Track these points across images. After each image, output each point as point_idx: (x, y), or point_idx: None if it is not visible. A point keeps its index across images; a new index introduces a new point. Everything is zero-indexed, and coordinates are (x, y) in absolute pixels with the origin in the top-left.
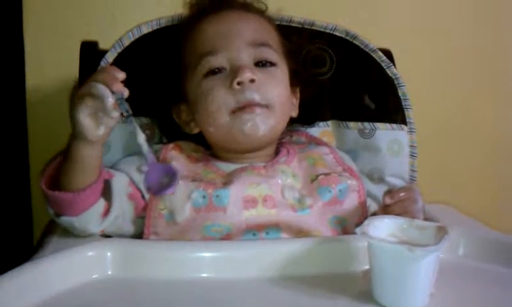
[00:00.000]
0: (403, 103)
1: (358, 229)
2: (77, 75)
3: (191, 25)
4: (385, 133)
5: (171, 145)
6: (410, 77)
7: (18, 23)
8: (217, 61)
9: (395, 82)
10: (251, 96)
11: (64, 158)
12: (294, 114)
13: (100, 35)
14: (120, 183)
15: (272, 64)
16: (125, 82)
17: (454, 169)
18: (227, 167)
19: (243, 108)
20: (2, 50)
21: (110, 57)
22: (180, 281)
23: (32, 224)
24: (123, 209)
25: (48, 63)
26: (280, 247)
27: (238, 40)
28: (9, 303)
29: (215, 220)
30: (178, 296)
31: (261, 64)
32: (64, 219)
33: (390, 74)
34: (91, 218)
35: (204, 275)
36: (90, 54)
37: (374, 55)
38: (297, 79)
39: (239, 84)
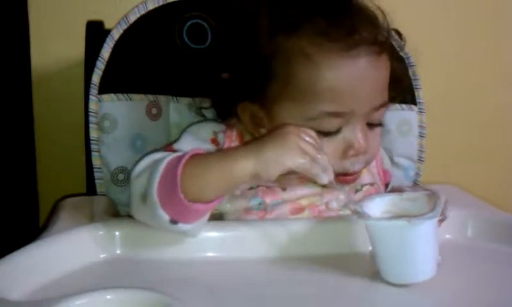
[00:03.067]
0: (413, 83)
1: (354, 215)
2: (83, 55)
3: (306, 42)
4: (394, 114)
5: (234, 133)
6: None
7: (23, 2)
8: (339, 123)
9: (406, 62)
10: (358, 167)
11: (208, 174)
12: None
13: (106, 14)
14: None
15: (380, 124)
16: (130, 60)
17: (462, 150)
18: None
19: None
20: (7, 30)
21: (116, 34)
22: (187, 260)
23: (38, 205)
24: None
25: (53, 43)
26: (286, 227)
27: (366, 106)
28: (17, 282)
29: (261, 219)
30: (186, 275)
31: (371, 124)
32: (181, 227)
33: (401, 54)
34: (202, 223)
35: (211, 254)
36: (96, 33)
37: None
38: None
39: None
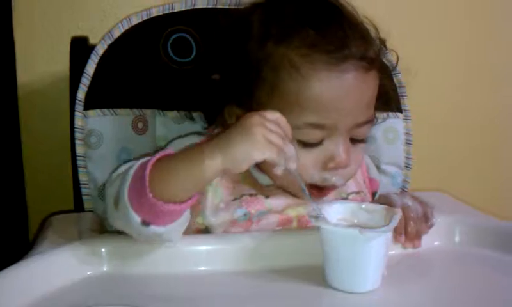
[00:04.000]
0: (398, 90)
1: (310, 216)
2: (68, 71)
3: (294, 52)
4: (383, 119)
5: None
6: (420, 65)
7: (8, 19)
8: (322, 135)
9: (391, 70)
10: (337, 181)
11: (178, 174)
12: None
13: (91, 30)
14: None
15: (363, 140)
16: (115, 75)
17: (452, 157)
18: (267, 180)
19: (321, 188)
20: None
21: (100, 49)
22: (174, 275)
23: (27, 220)
24: None
25: (39, 59)
26: (272, 239)
27: (349, 121)
28: (5, 302)
29: (248, 231)
30: (173, 290)
31: (354, 140)
32: (154, 229)
33: (386, 62)
34: (180, 225)
35: (198, 268)
36: (80, 49)
37: None
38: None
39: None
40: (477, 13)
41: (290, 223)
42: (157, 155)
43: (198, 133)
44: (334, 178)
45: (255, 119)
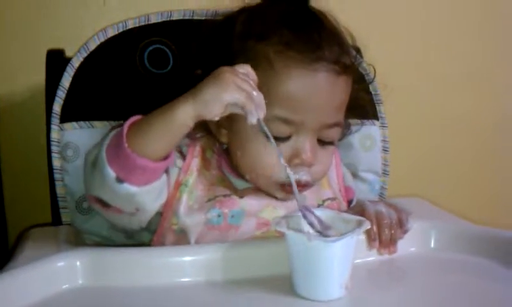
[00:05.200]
0: (374, 98)
1: (274, 221)
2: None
3: (271, 49)
4: (357, 129)
5: (198, 148)
6: (395, 71)
7: None
8: (290, 131)
9: (366, 78)
10: (303, 177)
11: (152, 124)
12: None
13: (70, 43)
14: None
15: (332, 143)
16: (92, 88)
17: (430, 163)
18: (242, 184)
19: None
20: None
21: (76, 62)
22: (150, 287)
23: (7, 234)
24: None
25: (15, 72)
26: (254, 248)
27: (317, 120)
28: None
29: (226, 237)
30: (148, 302)
31: (322, 141)
32: (127, 187)
33: (361, 70)
34: (153, 191)
35: (176, 280)
36: (56, 62)
37: None
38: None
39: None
40: (454, 16)
41: (268, 227)
42: (139, 116)
43: None
44: (297, 175)
45: (225, 68)
